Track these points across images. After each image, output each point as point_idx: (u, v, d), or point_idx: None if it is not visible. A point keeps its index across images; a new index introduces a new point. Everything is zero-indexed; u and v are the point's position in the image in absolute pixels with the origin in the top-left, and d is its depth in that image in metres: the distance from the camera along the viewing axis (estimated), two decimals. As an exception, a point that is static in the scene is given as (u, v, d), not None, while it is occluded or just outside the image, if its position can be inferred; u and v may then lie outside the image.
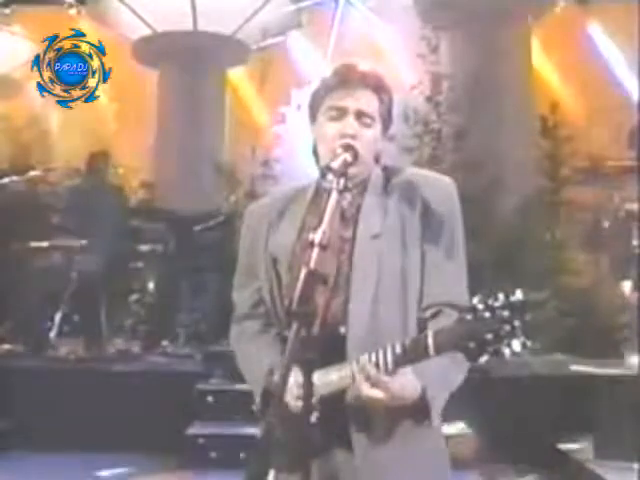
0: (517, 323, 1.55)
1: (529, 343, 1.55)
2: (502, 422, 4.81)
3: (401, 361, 1.70)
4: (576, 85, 10.02)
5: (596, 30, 10.54)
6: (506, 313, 1.56)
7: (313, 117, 2.01)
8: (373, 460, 1.83)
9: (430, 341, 1.65)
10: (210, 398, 5.46)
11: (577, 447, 4.67)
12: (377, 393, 1.72)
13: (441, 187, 1.96)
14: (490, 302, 1.58)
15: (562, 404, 4.92)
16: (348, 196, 1.95)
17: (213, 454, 5.02)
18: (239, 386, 4.63)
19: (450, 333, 1.63)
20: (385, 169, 2.01)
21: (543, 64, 10.41)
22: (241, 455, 4.43)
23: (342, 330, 1.85)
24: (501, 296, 1.58)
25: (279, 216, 2.01)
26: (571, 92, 9.80)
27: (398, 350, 1.70)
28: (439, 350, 1.64)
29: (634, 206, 6.00)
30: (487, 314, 1.57)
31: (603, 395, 4.57)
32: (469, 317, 1.59)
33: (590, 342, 5.71)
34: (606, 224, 6.24)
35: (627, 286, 6.02)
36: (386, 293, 1.86)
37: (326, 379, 1.81)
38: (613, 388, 4.65)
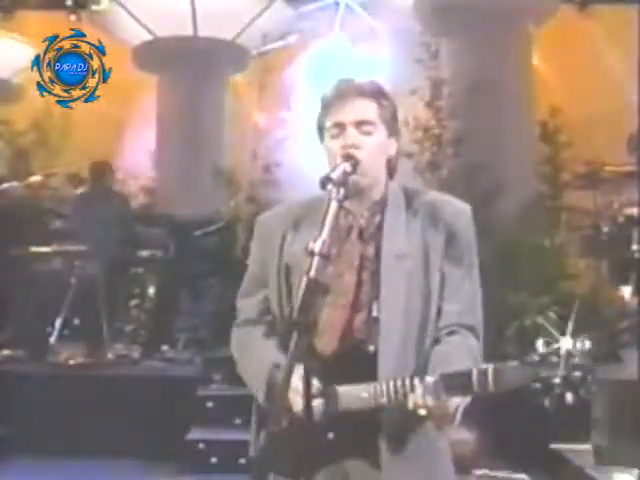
0: (589, 376, 1.57)
1: (594, 389, 1.56)
2: (501, 427, 4.80)
3: (453, 392, 1.70)
4: (576, 90, 10.00)
5: (596, 35, 10.54)
6: (576, 360, 1.59)
7: (321, 137, 2.04)
8: (397, 471, 1.86)
9: (490, 377, 1.64)
10: (210, 403, 5.46)
11: (577, 453, 4.66)
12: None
13: (463, 213, 2.01)
14: (556, 347, 1.60)
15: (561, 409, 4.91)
16: (365, 214, 1.98)
17: (213, 459, 5.03)
18: (239, 391, 4.63)
19: (513, 372, 1.64)
20: (405, 190, 2.04)
21: (543, 69, 10.41)
22: (241, 460, 4.43)
23: (371, 348, 1.87)
24: (567, 341, 1.61)
25: (295, 226, 2.01)
26: (571, 97, 9.78)
27: (450, 381, 1.69)
28: (499, 387, 1.63)
29: (634, 211, 5.99)
30: (555, 358, 1.59)
31: (603, 400, 4.56)
32: (536, 358, 1.61)
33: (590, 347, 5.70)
34: (606, 229, 6.22)
35: (627, 291, 6.01)
36: (411, 313, 1.89)
37: (355, 396, 1.80)
38: (613, 393, 4.65)
